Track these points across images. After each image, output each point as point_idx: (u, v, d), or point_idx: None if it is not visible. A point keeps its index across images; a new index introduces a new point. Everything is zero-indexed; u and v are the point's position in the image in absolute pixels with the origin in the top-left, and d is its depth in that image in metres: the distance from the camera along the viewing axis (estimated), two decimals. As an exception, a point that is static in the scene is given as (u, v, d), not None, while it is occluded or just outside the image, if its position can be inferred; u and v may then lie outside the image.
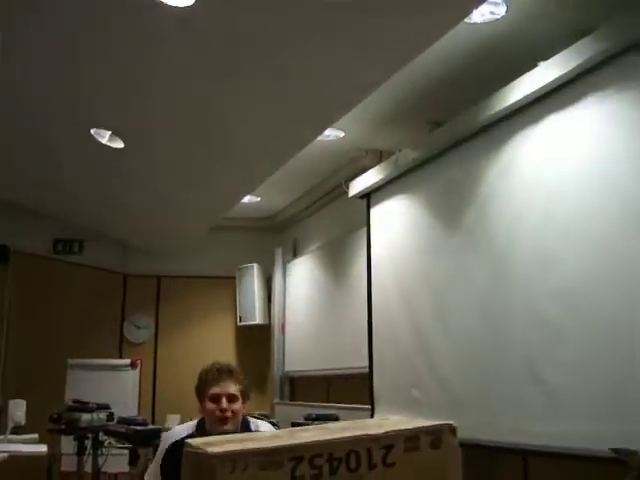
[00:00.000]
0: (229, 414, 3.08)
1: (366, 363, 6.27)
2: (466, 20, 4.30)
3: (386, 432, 1.31)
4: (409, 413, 5.33)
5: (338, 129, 6.13)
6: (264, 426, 3.29)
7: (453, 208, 5.22)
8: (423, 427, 1.35)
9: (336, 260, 7.57)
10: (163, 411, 8.61)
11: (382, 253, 6.16)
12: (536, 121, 4.45)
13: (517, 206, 4.55)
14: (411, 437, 1.32)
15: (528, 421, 4.26)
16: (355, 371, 6.70)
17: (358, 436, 1.30)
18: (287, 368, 8.83)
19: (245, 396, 3.17)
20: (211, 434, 2.90)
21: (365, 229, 6.49)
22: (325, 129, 5.67)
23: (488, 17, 4.34)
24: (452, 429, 1.37)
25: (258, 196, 8.24)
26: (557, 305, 4.13)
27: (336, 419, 5.79)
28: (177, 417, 7.83)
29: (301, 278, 8.58)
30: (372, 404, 6.15)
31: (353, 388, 7.01)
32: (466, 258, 5.03)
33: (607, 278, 3.79)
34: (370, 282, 6.32)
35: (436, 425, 1.36)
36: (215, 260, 9.36)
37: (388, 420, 1.47)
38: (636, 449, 3.30)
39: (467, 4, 3.74)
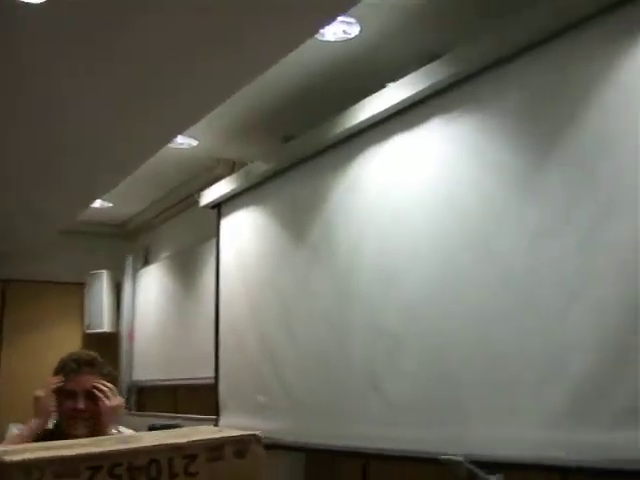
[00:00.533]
0: (86, 414, 2.76)
1: (213, 373, 6.24)
2: (320, 38, 4.38)
3: (189, 441, 1.31)
4: (255, 420, 5.38)
5: (191, 137, 6.08)
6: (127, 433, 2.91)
7: (300, 222, 5.29)
8: (228, 437, 1.36)
9: (186, 269, 7.51)
10: (5, 420, 8.24)
11: (231, 264, 6.16)
12: (383, 140, 4.58)
13: (362, 224, 4.66)
14: (215, 447, 1.32)
15: (368, 426, 4.38)
16: (203, 381, 6.65)
17: (159, 445, 1.29)
18: (135, 377, 8.66)
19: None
20: (68, 437, 2.59)
21: (215, 239, 6.45)
22: (173, 138, 5.61)
23: (341, 36, 4.41)
24: (258, 439, 1.38)
25: (110, 202, 8.06)
26: (398, 318, 4.27)
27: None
28: (20, 427, 7.51)
29: (151, 286, 8.45)
30: (217, 413, 6.13)
31: (200, 398, 6.96)
32: (312, 272, 5.11)
33: (449, 293, 3.95)
34: (218, 292, 6.30)
35: (242, 435, 1.37)
36: (65, 265, 9.05)
37: (198, 429, 1.47)
38: (462, 459, 3.41)
39: (317, 21, 3.78)
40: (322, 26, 4.03)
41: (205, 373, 6.48)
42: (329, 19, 3.86)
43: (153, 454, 1.28)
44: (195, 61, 4.03)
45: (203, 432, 1.43)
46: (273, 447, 4.99)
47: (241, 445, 1.36)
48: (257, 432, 1.39)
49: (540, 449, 3.33)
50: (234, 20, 3.59)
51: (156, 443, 1.31)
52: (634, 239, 3.00)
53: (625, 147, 3.17)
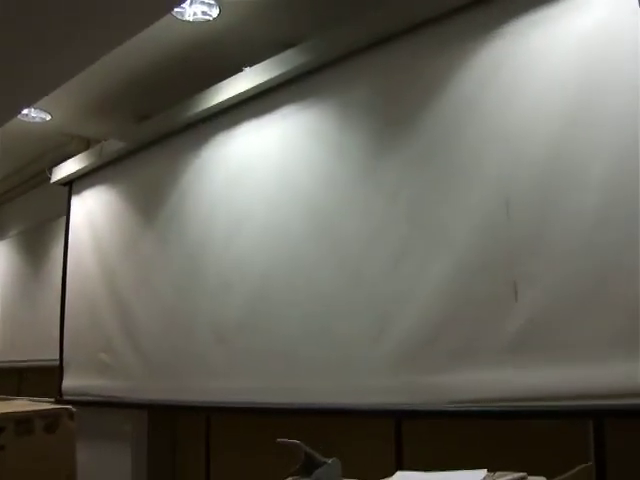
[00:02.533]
0: None
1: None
2: (179, 17, 4.34)
3: (-4, 414, 1.29)
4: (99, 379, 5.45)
5: (45, 112, 5.89)
6: None
7: (153, 200, 5.27)
8: (38, 410, 1.35)
9: (36, 247, 7.28)
10: None
11: (81, 240, 6.04)
12: (236, 124, 4.63)
13: (210, 203, 4.73)
14: (24, 420, 1.31)
15: (211, 380, 4.50)
16: (49, 363, 6.46)
17: (-36, 417, 1.27)
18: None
19: None
20: None
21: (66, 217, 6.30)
22: (22, 110, 5.42)
23: (200, 17, 4.38)
24: (70, 413, 1.38)
25: (-42, 175, 7.71)
26: (238, 274, 4.46)
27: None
28: None
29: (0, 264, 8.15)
30: (61, 375, 6.07)
31: (47, 381, 6.78)
32: (163, 247, 5.13)
33: (288, 265, 4.16)
34: (66, 267, 6.19)
35: (53, 409, 1.36)
36: None
37: (11, 403, 1.44)
38: (300, 442, 3.46)
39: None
40: (176, 4, 3.98)
41: (52, 355, 6.30)
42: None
43: (-44, 426, 1.25)
44: (46, 31, 3.89)
45: (14, 405, 1.40)
46: (116, 405, 5.26)
47: (52, 419, 1.35)
48: (69, 406, 1.38)
49: (375, 396, 3.55)
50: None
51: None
52: (454, 216, 3.34)
53: (457, 144, 3.41)
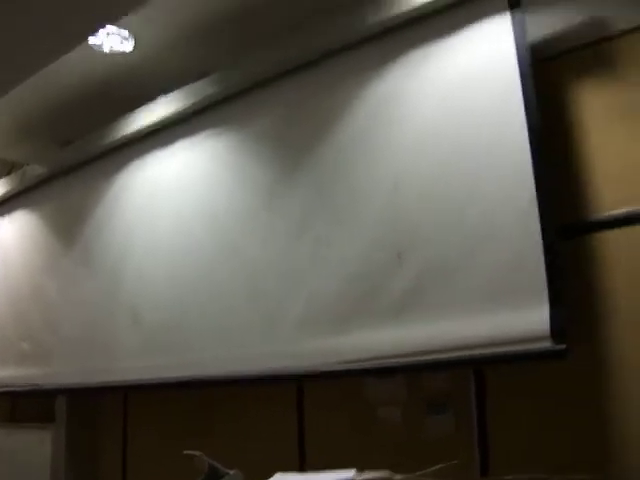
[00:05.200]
0: None
1: None
2: (97, 49, 4.51)
3: None
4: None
5: (-36, 136, 5.96)
6: None
7: (73, 225, 5.40)
8: None
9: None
10: None
11: (4, 258, 6.11)
12: (149, 151, 4.87)
13: (127, 228, 4.91)
14: None
15: (126, 359, 4.69)
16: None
17: None
18: None
19: None
20: None
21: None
22: None
23: (117, 49, 4.55)
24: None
25: None
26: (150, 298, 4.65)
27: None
28: None
29: None
30: None
31: None
32: (80, 271, 5.26)
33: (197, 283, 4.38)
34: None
35: None
36: None
37: None
38: (202, 453, 3.63)
39: (83, 30, 3.87)
40: (89, 35, 4.14)
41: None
42: (94, 29, 3.98)
43: None
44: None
45: None
46: (34, 393, 5.41)
47: None
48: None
49: (276, 361, 3.83)
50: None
51: None
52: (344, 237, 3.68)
53: (351, 171, 3.72)
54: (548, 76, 3.31)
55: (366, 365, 3.46)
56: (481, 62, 3.30)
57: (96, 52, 4.55)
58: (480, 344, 3.07)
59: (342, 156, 3.74)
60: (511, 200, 3.08)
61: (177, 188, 4.59)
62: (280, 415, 4.28)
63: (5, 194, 6.11)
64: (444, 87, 3.40)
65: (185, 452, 3.75)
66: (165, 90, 4.74)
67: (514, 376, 3.29)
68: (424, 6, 3.45)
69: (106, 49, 4.55)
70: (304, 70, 4.01)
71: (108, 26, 4.36)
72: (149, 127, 4.79)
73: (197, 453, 3.61)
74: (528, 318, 2.93)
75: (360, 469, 2.58)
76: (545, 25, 3.41)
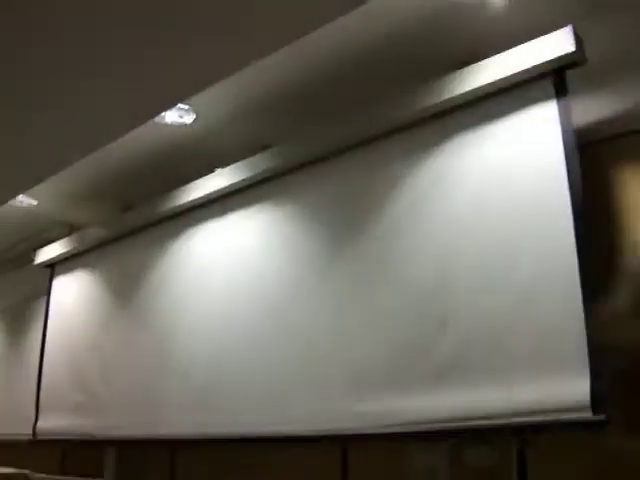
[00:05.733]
0: None
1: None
2: (159, 121, 4.73)
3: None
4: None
5: (32, 197, 6.22)
6: None
7: (128, 287, 5.60)
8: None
9: (16, 326, 7.48)
10: None
11: (57, 324, 6.33)
12: (207, 220, 5.07)
13: (181, 292, 5.09)
14: (-14, 481, 1.59)
15: (174, 415, 4.82)
16: (22, 438, 6.61)
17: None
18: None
19: None
20: None
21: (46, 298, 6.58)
22: (13, 197, 5.74)
23: (177, 121, 4.78)
24: (26, 477, 1.66)
25: (-57, 251, 7.97)
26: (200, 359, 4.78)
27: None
28: None
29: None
30: (34, 433, 6.25)
31: (22, 456, 6.96)
32: (135, 331, 5.44)
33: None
34: (43, 349, 6.44)
35: (11, 473, 1.64)
36: None
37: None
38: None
39: (155, 108, 4.10)
40: (158, 114, 4.37)
41: (25, 430, 6.46)
42: (165, 108, 4.21)
43: None
44: (42, 126, 4.22)
45: (-19, 469, 1.68)
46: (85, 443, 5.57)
47: (11, 480, 1.63)
48: (26, 471, 1.67)
49: (318, 423, 3.95)
50: (78, 94, 3.84)
51: None
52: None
53: (396, 255, 3.85)
54: (592, 160, 3.41)
55: (409, 429, 3.55)
56: (528, 144, 3.44)
57: (159, 123, 4.77)
58: (521, 412, 3.13)
59: (391, 232, 3.89)
60: (553, 271, 3.17)
61: (230, 257, 4.77)
62: (326, 475, 4.36)
63: (65, 253, 6.34)
64: (490, 168, 3.55)
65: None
66: (223, 162, 4.96)
67: (555, 448, 3.34)
68: (473, 92, 3.61)
69: (168, 120, 4.77)
70: (357, 149, 4.19)
71: (171, 101, 4.60)
72: (206, 197, 5.00)
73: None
74: (568, 387, 3.00)
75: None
76: (590, 111, 3.52)
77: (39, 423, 6.21)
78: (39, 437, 6.16)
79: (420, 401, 3.53)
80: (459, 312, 3.49)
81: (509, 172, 3.47)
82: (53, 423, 6.00)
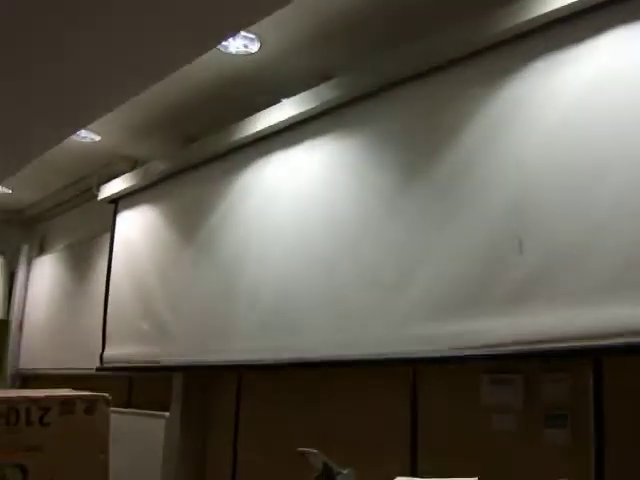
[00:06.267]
0: None
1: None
2: (223, 50, 4.64)
3: (45, 395, 1.54)
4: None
5: (94, 132, 6.21)
6: None
7: (194, 220, 5.56)
8: (79, 395, 1.59)
9: (80, 262, 7.59)
10: None
11: (122, 259, 6.36)
12: (273, 152, 4.94)
13: (246, 224, 5.04)
14: (67, 402, 1.55)
15: (242, 340, 4.83)
16: (89, 372, 6.74)
17: (18, 397, 1.52)
18: (22, 366, 8.65)
19: None
20: None
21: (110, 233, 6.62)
22: (74, 133, 5.71)
23: (242, 50, 4.67)
24: (106, 400, 1.62)
25: (9, 188, 8.07)
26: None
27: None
28: None
29: (45, 276, 8.48)
30: (101, 361, 6.40)
31: (89, 389, 7.05)
32: (202, 261, 5.42)
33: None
34: (108, 283, 6.51)
35: (92, 395, 1.61)
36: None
37: (57, 390, 1.70)
38: (317, 450, 3.70)
39: (218, 34, 3.98)
40: (222, 41, 4.27)
41: (92, 364, 6.57)
42: (229, 35, 4.10)
43: (12, 403, 1.50)
44: (100, 62, 4.17)
45: (60, 391, 1.65)
46: (151, 369, 5.68)
47: (90, 403, 1.59)
48: (106, 394, 1.63)
49: (386, 345, 3.87)
50: (140, 23, 3.76)
51: (15, 395, 1.54)
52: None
53: (472, 179, 3.68)
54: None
55: (483, 352, 3.44)
56: (617, 66, 3.20)
57: (222, 53, 4.68)
58: (601, 335, 3.00)
59: (465, 160, 3.72)
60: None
61: (296, 188, 4.68)
62: (392, 403, 4.32)
63: (129, 188, 6.34)
64: (579, 89, 3.32)
65: (299, 449, 3.82)
66: (289, 92, 4.83)
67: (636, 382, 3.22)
68: (557, 11, 3.38)
69: (232, 50, 4.67)
70: (429, 76, 3.99)
71: (235, 28, 4.49)
72: (271, 128, 4.88)
73: (313, 450, 3.66)
74: None
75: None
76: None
77: (106, 352, 6.32)
78: (105, 365, 6.28)
79: (496, 324, 3.40)
80: (535, 231, 3.33)
81: (600, 92, 3.23)
82: (120, 351, 6.11)
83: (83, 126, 5.50)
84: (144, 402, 6.27)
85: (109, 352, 6.29)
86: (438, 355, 3.63)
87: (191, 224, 5.58)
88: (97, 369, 6.34)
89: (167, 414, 5.78)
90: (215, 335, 5.08)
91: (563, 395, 3.49)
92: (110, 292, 6.44)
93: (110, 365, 6.23)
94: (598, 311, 3.03)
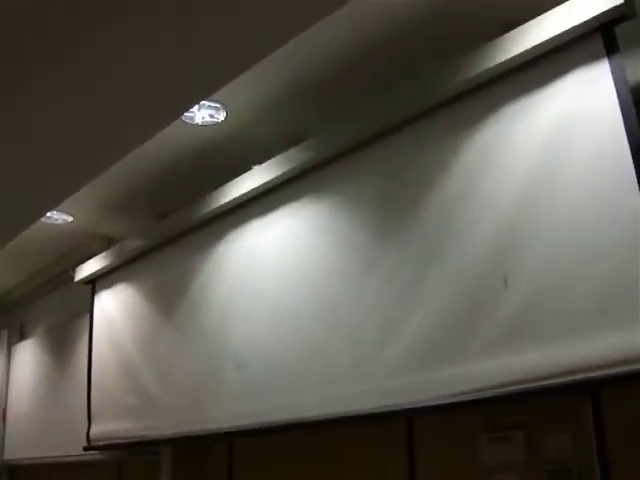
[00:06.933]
0: None
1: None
2: (189, 122, 4.61)
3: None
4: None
5: (67, 213, 6.15)
6: None
7: (173, 293, 5.46)
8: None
9: (62, 344, 7.41)
10: None
11: (103, 338, 6.21)
12: (247, 221, 4.89)
13: (226, 297, 4.94)
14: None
15: (230, 405, 4.70)
16: (78, 458, 6.57)
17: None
18: (6, 457, 8.40)
19: None
20: None
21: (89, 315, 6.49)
22: (42, 215, 5.63)
23: (208, 120, 4.65)
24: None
25: (-15, 275, 7.96)
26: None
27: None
28: None
29: (26, 362, 8.28)
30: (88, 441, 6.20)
31: (74, 477, 6.98)
32: (183, 338, 5.31)
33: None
34: (90, 361, 6.35)
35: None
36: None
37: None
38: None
39: (179, 107, 3.93)
40: (184, 110, 4.22)
41: (79, 450, 6.39)
42: (192, 104, 4.05)
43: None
44: (65, 136, 4.09)
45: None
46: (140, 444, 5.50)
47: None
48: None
49: (379, 399, 3.75)
50: (99, 102, 3.70)
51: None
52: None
53: (451, 226, 3.64)
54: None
55: (479, 395, 3.33)
56: (581, 106, 3.22)
57: (189, 125, 4.65)
58: (593, 366, 2.93)
59: (442, 210, 3.70)
60: (617, 226, 2.99)
61: (275, 255, 4.60)
62: (389, 457, 4.25)
63: (105, 268, 6.23)
64: (543, 136, 3.33)
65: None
66: (259, 159, 4.80)
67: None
68: (517, 57, 3.39)
69: (198, 121, 4.64)
70: (397, 131, 3.98)
71: (200, 99, 4.47)
72: (245, 196, 4.82)
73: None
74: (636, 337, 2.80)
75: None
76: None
77: (92, 430, 6.15)
78: (93, 444, 6.09)
79: (487, 365, 3.32)
80: (520, 269, 3.29)
81: (566, 134, 3.24)
82: (107, 428, 5.94)
83: (53, 207, 5.41)
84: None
85: (96, 429, 6.11)
86: (426, 405, 3.54)
87: (172, 296, 5.48)
88: (84, 448, 6.15)
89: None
90: (202, 404, 4.96)
91: (565, 448, 3.39)
92: (93, 370, 6.28)
93: (98, 444, 6.05)
94: (584, 344, 2.99)
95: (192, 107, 4.34)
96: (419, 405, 3.58)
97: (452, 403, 3.43)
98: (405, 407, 3.66)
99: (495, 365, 3.28)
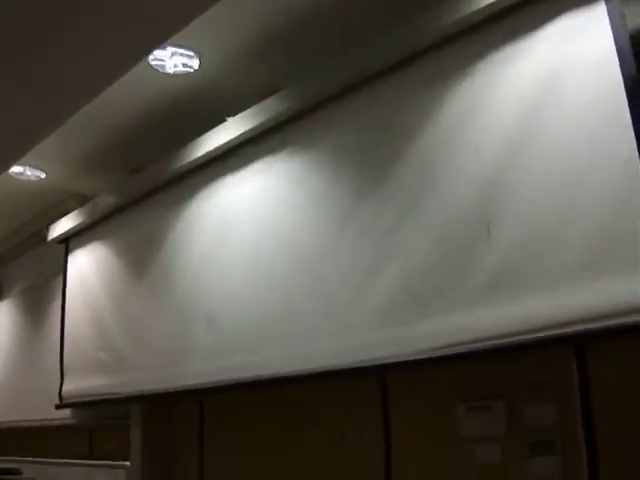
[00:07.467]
0: None
1: (62, 414, 6.16)
2: (161, 70, 4.38)
3: None
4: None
5: (39, 170, 5.94)
6: None
7: (147, 252, 5.29)
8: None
9: (36, 306, 7.25)
10: None
11: (77, 297, 6.07)
12: (221, 175, 4.69)
13: (201, 253, 4.78)
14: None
15: (200, 363, 4.61)
16: (51, 423, 6.44)
17: None
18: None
19: None
20: None
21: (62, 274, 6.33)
22: (8, 168, 5.42)
23: (181, 69, 4.42)
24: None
25: (-41, 235, 7.75)
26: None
27: (19, 473, 5.56)
28: None
29: (2, 323, 8.11)
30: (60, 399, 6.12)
31: (46, 440, 6.89)
32: (157, 296, 5.16)
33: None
34: (63, 319, 6.23)
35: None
36: None
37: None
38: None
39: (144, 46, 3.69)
40: (150, 51, 3.99)
41: (52, 414, 6.25)
42: (155, 45, 3.80)
43: None
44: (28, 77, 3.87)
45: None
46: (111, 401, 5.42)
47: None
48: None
49: (353, 355, 3.62)
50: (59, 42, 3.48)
51: None
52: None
53: (434, 174, 3.46)
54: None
55: (460, 349, 3.16)
56: (575, 52, 3.02)
57: (160, 74, 4.43)
58: (578, 320, 2.78)
59: (424, 158, 3.52)
60: (611, 158, 2.81)
61: (249, 212, 4.44)
62: (364, 417, 4.09)
63: (78, 226, 6.07)
64: (536, 82, 3.13)
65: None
66: (234, 110, 4.58)
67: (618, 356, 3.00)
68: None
69: (170, 70, 4.41)
70: (377, 80, 3.77)
71: (172, 47, 4.23)
72: (218, 150, 4.63)
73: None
74: (627, 288, 2.63)
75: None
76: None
77: (64, 387, 6.06)
78: (65, 401, 6.00)
79: (469, 318, 3.16)
80: (504, 218, 3.12)
81: (557, 80, 3.06)
82: (78, 385, 5.84)
83: (18, 158, 5.16)
84: (106, 453, 6.01)
85: (68, 386, 6.00)
86: (403, 360, 3.38)
87: (145, 254, 5.31)
88: (56, 406, 6.05)
89: (128, 464, 5.45)
90: (173, 362, 4.84)
91: (549, 418, 3.21)
92: (66, 328, 6.15)
93: (70, 401, 5.94)
94: (569, 296, 2.83)
95: (156, 48, 4.04)
96: (395, 360, 3.42)
97: (430, 358, 3.26)
98: (380, 362, 3.51)
99: (476, 318, 3.13)
